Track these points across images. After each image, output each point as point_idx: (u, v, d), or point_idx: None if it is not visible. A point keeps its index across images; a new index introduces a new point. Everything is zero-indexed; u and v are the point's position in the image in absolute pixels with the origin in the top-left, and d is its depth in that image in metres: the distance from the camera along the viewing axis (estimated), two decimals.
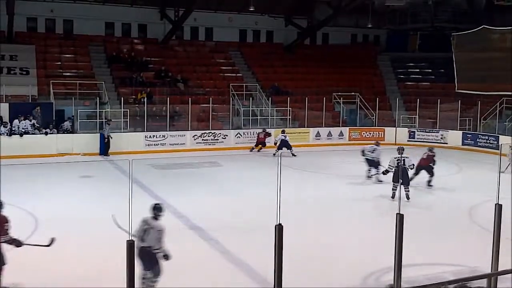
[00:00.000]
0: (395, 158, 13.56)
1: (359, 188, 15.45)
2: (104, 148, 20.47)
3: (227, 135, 23.43)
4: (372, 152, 15.89)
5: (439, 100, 25.13)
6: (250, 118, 24.76)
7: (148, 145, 21.79)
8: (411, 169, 13.91)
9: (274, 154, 21.17)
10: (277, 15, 31.06)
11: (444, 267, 8.81)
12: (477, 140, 23.77)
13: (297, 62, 29.66)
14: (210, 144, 22.85)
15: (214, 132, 23.17)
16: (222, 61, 28.84)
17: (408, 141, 24.83)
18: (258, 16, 30.40)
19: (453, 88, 25.06)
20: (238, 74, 28.01)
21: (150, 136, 21.92)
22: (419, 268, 8.31)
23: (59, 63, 24.95)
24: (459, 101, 24.70)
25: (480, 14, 27.31)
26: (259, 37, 31.92)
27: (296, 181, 15.83)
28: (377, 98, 26.53)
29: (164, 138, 22.15)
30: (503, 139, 21.87)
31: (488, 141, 23.17)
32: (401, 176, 12.83)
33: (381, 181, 15.38)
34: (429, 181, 15.20)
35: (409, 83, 30.31)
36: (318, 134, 25.38)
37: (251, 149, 22.65)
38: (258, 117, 25.06)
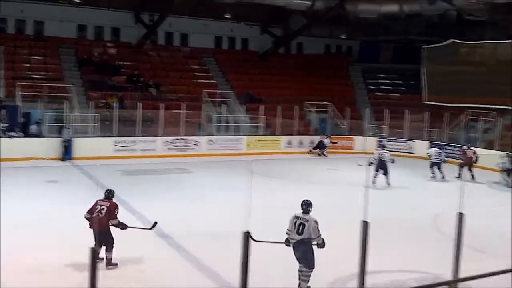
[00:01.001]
0: (378, 152, 17.68)
1: (328, 195, 15.60)
2: (64, 153, 20.12)
3: (199, 142, 23.38)
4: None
5: (407, 111, 25.52)
6: (223, 125, 24.79)
7: (118, 150, 21.46)
8: (392, 162, 17.39)
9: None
10: (252, 23, 31.26)
11: (408, 274, 8.98)
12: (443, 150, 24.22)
13: (271, 70, 29.86)
14: (181, 151, 22.74)
15: (186, 139, 23.09)
16: (196, 67, 28.81)
17: (376, 150, 25.13)
18: (234, 24, 30.56)
19: (421, 99, 25.59)
20: (212, 81, 28.03)
21: (119, 142, 21.70)
22: (383, 275, 8.44)
23: (28, 65, 24.47)
24: (428, 112, 25.18)
25: (451, 28, 27.91)
26: (234, 44, 32.05)
27: (266, 188, 15.89)
28: (348, 108, 26.85)
29: (134, 143, 21.95)
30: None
31: (453, 152, 23.55)
32: (381, 167, 17.06)
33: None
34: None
35: (380, 93, 30.77)
36: (289, 142, 25.54)
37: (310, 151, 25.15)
38: (231, 124, 25.11)
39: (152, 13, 27.48)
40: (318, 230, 7.76)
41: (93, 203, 8.75)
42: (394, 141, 25.50)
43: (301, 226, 7.76)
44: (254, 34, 31.69)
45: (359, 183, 14.33)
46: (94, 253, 4.05)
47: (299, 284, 7.94)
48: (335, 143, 25.53)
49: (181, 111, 23.18)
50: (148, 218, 11.61)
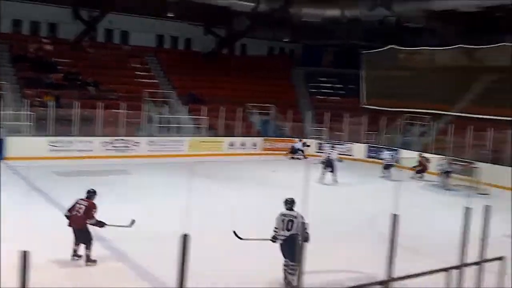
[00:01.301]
0: (326, 151, 19.37)
1: (269, 196, 15.64)
2: None
3: (139, 143, 22.93)
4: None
5: (347, 114, 26.05)
6: (165, 126, 24.45)
7: (53, 150, 20.68)
8: (339, 161, 19.04)
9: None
10: (196, 23, 31.02)
11: (345, 274, 9.14)
12: (380, 153, 24.84)
13: (215, 71, 29.72)
14: (120, 152, 22.20)
15: (126, 139, 22.59)
16: (138, 66, 28.29)
17: (316, 152, 25.56)
18: (177, 23, 30.21)
19: (361, 103, 26.18)
20: (153, 80, 27.60)
21: (55, 142, 20.95)
22: (318, 275, 8.51)
23: None
24: (366, 116, 25.78)
25: (390, 34, 28.70)
26: (177, 44, 31.72)
27: (207, 190, 15.76)
28: (290, 110, 27.11)
29: (70, 143, 21.24)
30: (404, 153, 23.04)
31: (390, 155, 24.22)
32: (328, 165, 18.47)
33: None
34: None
35: (321, 97, 31.25)
36: (232, 144, 25.50)
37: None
38: (173, 125, 24.80)
39: (92, 10, 26.76)
40: (305, 224, 7.91)
41: (73, 202, 9.17)
42: (334, 144, 25.91)
43: (290, 222, 8.27)
44: (197, 34, 31.49)
45: (300, 184, 14.41)
46: (26, 257, 3.94)
47: (285, 277, 8.32)
48: (308, 146, 25.60)
49: (120, 110, 22.67)
50: None
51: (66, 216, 9.11)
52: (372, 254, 9.38)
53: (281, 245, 8.31)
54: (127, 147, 22.55)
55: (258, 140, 26.22)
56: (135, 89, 25.98)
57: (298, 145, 25.42)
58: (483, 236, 6.67)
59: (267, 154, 25.72)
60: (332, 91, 31.94)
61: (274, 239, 8.42)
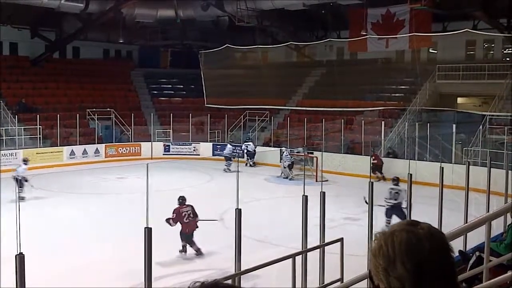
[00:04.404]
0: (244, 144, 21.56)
1: (114, 203, 15.40)
2: None
3: None
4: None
5: (190, 114, 26.41)
6: None
7: None
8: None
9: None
10: (21, 26, 28.90)
11: (197, 274, 9.41)
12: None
13: (46, 76, 28.11)
14: None
15: None
16: None
17: (163, 154, 25.57)
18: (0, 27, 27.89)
19: (203, 102, 26.72)
20: None
21: None
22: (171, 278, 8.69)
23: None
24: (208, 114, 26.39)
25: (224, 33, 29.62)
26: (2, 49, 29.33)
27: (46, 204, 15.00)
28: (132, 114, 26.65)
29: None
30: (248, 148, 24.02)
31: (235, 151, 25.00)
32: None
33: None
34: None
35: (163, 98, 31.15)
36: (72, 153, 24.37)
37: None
38: (4, 137, 22.99)
39: None
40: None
41: (175, 212, 10.36)
42: (180, 145, 26.18)
43: (397, 194, 11.51)
44: (24, 38, 29.38)
45: (144, 189, 14.36)
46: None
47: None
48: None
49: None
50: None
51: (173, 223, 10.28)
52: (225, 250, 9.82)
53: (387, 210, 11.50)
54: None
55: (101, 147, 25.37)
56: None
57: (251, 147, 23.57)
58: (321, 221, 7.40)
59: (110, 160, 25.01)
60: (173, 92, 32.03)
61: (382, 205, 11.48)
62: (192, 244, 10.46)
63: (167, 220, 10.28)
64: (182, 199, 10.75)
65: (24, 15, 27.58)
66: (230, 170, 21.22)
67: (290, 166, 20.35)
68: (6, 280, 7.61)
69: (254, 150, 23.39)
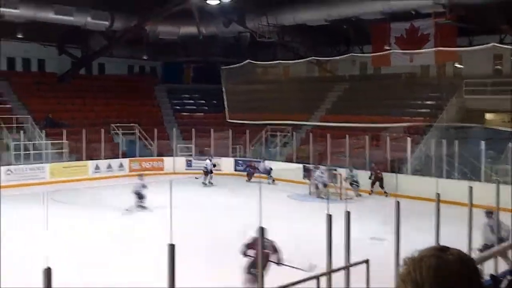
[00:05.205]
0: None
1: (137, 218, 15.50)
2: None
3: None
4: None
5: (212, 129, 26.47)
6: (22, 152, 23.00)
7: None
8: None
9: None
10: (49, 43, 29.54)
11: None
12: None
13: (73, 92, 28.59)
14: None
15: None
16: None
17: (186, 169, 25.67)
18: (28, 44, 28.54)
19: (224, 117, 26.77)
20: (6, 105, 25.81)
21: None
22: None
23: None
24: (230, 130, 26.41)
25: (246, 49, 29.76)
26: (30, 66, 29.98)
27: (71, 218, 15.15)
28: (155, 129, 26.87)
29: None
30: (270, 164, 23.92)
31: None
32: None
33: None
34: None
35: (185, 113, 31.40)
36: (97, 167, 24.65)
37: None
38: (31, 152, 23.40)
39: None
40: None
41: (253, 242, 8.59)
42: (202, 160, 26.19)
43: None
44: (51, 55, 30.02)
45: (167, 205, 14.42)
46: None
47: None
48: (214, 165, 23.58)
49: None
50: None
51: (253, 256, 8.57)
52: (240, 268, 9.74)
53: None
54: None
55: (125, 161, 25.61)
56: None
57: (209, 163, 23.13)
58: (346, 241, 7.29)
59: (134, 175, 25.13)
60: (195, 107, 32.27)
61: None
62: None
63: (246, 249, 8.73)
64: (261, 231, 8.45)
65: (52, 33, 28.21)
66: (205, 184, 21.86)
67: (325, 185, 19.46)
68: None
69: (212, 166, 22.85)
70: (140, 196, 16.90)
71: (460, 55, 24.49)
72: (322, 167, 20.18)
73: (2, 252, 11.93)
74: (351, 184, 19.73)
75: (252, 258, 8.53)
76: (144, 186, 17.07)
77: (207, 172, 22.65)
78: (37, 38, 28.44)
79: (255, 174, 23.32)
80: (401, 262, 1.44)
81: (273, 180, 22.77)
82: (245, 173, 24.00)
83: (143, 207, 16.77)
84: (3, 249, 12.25)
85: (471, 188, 8.51)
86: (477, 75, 23.64)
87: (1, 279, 9.81)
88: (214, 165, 23.11)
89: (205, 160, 23.41)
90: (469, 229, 8.30)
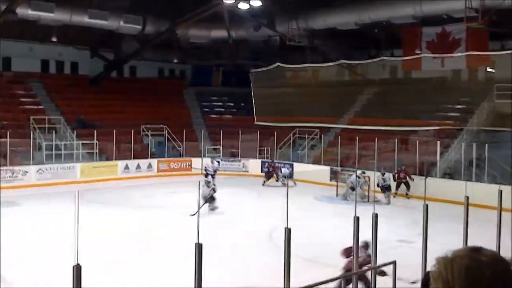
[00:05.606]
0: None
1: (165, 217, 15.70)
2: None
3: (27, 172, 21.84)
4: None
5: (240, 131, 26.64)
6: (54, 152, 23.52)
7: None
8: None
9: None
10: (82, 46, 30.18)
11: None
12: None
13: (104, 94, 29.10)
14: (8, 182, 20.91)
15: (13, 169, 21.42)
16: (22, 92, 27.00)
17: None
18: (62, 47, 29.20)
19: (252, 120, 26.87)
20: (39, 107, 26.45)
21: None
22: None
23: None
24: (258, 132, 26.52)
25: (275, 53, 29.82)
26: (63, 68, 30.65)
27: (103, 217, 15.43)
28: (184, 130, 27.20)
29: None
30: (297, 166, 23.95)
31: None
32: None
33: None
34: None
35: (213, 115, 31.70)
36: (126, 167, 25.06)
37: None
38: (63, 151, 23.92)
39: None
40: None
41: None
42: (229, 161, 26.43)
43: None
44: (84, 58, 30.64)
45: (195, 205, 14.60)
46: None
47: None
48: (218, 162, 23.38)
49: (6, 139, 21.47)
50: None
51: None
52: (274, 267, 9.79)
53: None
54: (15, 177, 21.40)
55: (153, 161, 25.96)
56: (21, 116, 24.90)
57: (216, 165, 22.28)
58: (373, 243, 7.29)
59: (162, 175, 25.52)
60: (224, 109, 32.52)
61: None
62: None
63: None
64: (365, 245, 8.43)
65: (85, 37, 28.81)
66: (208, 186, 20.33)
67: (354, 188, 18.63)
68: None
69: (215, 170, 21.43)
70: (212, 198, 16.66)
71: (493, 59, 24.09)
72: (358, 171, 19.97)
73: (33, 249, 12.27)
74: (382, 189, 19.44)
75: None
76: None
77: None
78: (71, 42, 29.10)
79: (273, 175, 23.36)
80: (429, 264, 1.45)
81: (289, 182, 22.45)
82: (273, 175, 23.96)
83: (214, 207, 16.64)
84: (33, 247, 12.63)
85: (501, 191, 8.41)
86: (509, 79, 23.21)
87: (33, 275, 10.09)
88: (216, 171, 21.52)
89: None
90: (498, 233, 8.20)
